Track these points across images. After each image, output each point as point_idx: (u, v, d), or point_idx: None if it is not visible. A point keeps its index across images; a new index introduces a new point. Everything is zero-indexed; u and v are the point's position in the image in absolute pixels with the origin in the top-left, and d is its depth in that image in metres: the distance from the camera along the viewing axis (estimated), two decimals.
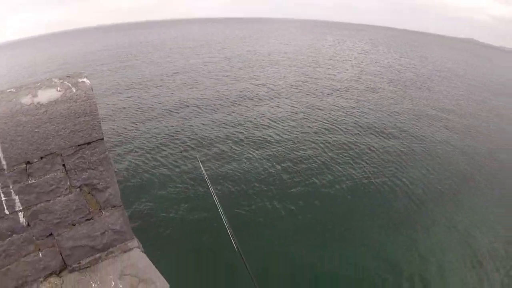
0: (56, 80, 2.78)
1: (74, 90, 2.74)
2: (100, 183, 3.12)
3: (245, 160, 15.06)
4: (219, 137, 17.34)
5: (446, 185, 14.45)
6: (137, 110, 21.75)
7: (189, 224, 10.98)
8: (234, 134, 17.87)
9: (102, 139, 2.99)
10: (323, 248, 10.34)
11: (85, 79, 2.82)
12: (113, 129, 18.42)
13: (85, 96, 2.77)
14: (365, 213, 12.21)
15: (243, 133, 18.07)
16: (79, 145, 2.88)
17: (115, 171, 3.39)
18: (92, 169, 3.03)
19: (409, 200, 13.06)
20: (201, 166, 7.11)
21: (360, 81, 32.96)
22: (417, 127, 20.92)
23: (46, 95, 2.67)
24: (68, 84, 2.75)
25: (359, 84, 31.33)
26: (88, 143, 2.93)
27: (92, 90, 2.81)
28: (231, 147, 16.35)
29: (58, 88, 2.71)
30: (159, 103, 23.32)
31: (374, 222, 11.65)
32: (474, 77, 45.15)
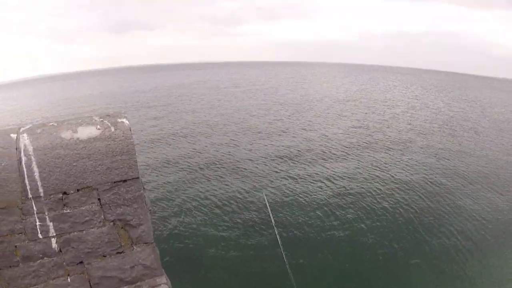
0: (96, 118, 2.75)
1: (113, 129, 2.68)
2: (134, 220, 3.05)
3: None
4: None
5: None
6: (189, 153, 21.38)
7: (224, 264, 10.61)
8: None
9: (138, 177, 2.91)
10: None
11: (124, 119, 2.74)
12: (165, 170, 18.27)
13: (123, 136, 2.70)
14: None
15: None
16: (115, 182, 2.84)
17: (150, 210, 3.30)
18: (127, 205, 2.97)
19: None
20: (267, 204, 6.87)
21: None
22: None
23: (86, 132, 2.65)
24: (107, 123, 2.70)
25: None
26: (124, 181, 2.87)
27: (130, 130, 2.72)
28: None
29: (98, 126, 2.68)
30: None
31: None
32: None
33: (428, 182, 16.49)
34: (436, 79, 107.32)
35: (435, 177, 17.20)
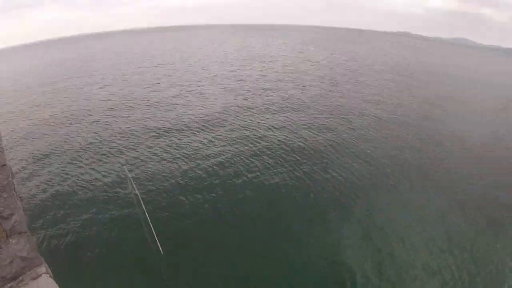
0: None
1: None
2: (5, 210, 2.96)
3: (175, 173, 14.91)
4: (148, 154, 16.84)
5: (375, 173, 15.91)
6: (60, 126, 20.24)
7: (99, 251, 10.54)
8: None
9: (5, 165, 2.85)
10: (252, 248, 10.71)
11: None
12: (29, 153, 17.30)
13: None
14: (293, 209, 12.85)
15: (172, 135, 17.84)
16: None
17: (20, 197, 3.23)
18: None
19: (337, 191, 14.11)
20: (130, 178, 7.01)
21: (291, 80, 34.54)
22: (346, 121, 22.77)
23: None
24: None
25: (288, 83, 32.60)
26: None
27: None
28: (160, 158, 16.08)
29: None
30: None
31: (301, 217, 12.38)
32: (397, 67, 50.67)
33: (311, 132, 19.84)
34: (316, 33, 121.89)
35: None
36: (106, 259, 10.08)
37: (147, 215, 9.75)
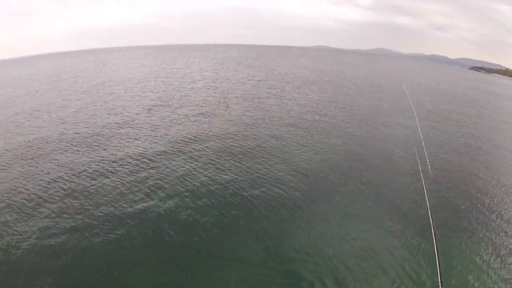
0: None
1: None
2: None
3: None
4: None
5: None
6: None
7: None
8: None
9: None
10: (194, 271, 10.34)
11: None
12: None
13: None
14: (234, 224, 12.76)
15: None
16: None
17: None
18: None
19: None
20: None
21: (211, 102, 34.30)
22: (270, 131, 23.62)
23: None
24: None
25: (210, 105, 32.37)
26: None
27: None
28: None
29: None
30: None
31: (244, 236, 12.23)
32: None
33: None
34: (238, 52, 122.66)
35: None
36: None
37: None
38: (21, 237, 11.34)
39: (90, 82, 47.59)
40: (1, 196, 14.16)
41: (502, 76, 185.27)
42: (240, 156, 18.89)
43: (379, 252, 11.49)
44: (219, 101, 33.36)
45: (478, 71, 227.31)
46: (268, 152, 19.60)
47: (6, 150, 19.55)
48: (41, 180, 15.66)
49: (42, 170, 16.71)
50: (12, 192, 14.56)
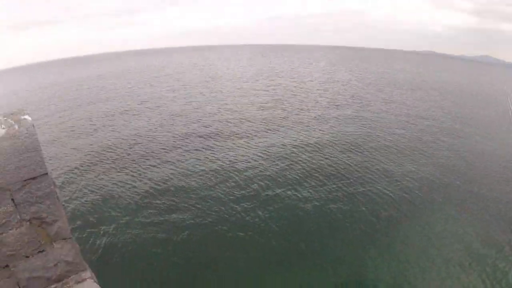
0: (0, 118, 2.94)
1: (17, 127, 2.91)
2: (49, 217, 3.24)
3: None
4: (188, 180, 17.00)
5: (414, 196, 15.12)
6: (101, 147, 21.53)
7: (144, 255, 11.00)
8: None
9: (47, 173, 3.14)
10: (292, 270, 10.44)
11: (26, 116, 3.00)
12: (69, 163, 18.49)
13: (27, 133, 2.95)
14: (336, 230, 12.50)
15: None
16: (25, 180, 3.02)
17: (63, 205, 3.51)
18: (40, 203, 3.16)
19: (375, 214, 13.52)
20: None
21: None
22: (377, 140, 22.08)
23: None
24: (11, 121, 2.92)
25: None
26: (33, 178, 3.07)
27: (33, 126, 2.99)
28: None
29: (2, 126, 2.88)
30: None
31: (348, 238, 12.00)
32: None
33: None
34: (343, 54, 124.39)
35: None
36: (147, 266, 10.44)
37: None
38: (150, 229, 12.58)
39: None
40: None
41: None
42: (343, 163, 18.30)
43: None
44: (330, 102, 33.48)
45: None
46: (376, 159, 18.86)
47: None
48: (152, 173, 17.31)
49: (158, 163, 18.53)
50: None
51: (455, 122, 28.36)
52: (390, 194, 15.01)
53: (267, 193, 14.80)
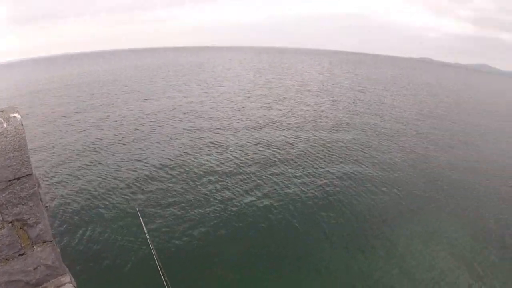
0: None
1: (5, 125, 2.80)
2: (31, 219, 3.13)
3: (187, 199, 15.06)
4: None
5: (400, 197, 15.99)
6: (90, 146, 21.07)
7: (122, 262, 10.76)
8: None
9: (32, 174, 3.04)
10: (278, 276, 10.52)
11: (16, 114, 2.90)
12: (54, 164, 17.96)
13: (15, 131, 2.85)
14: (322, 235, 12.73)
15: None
16: (9, 180, 2.91)
17: (46, 207, 3.41)
18: (23, 204, 3.05)
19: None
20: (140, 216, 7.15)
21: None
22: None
23: None
24: (0, 119, 2.81)
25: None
26: (18, 178, 2.96)
27: (22, 125, 2.89)
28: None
29: None
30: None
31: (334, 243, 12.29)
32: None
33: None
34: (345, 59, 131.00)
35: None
36: (128, 271, 10.31)
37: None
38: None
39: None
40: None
41: None
42: (336, 163, 19.36)
43: None
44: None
45: None
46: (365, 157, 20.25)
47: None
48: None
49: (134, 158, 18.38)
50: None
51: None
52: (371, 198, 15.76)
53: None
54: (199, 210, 13.62)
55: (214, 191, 15.17)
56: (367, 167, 19.06)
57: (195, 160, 18.60)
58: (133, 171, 17.11)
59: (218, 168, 17.46)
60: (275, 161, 18.91)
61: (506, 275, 11.07)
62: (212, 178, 16.34)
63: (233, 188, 15.41)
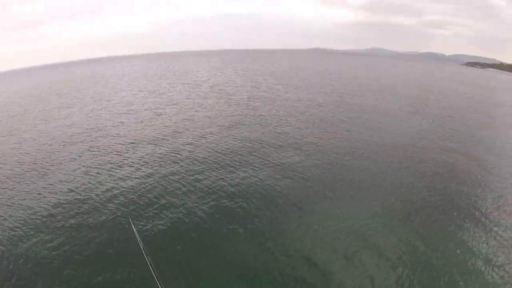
0: None
1: None
2: None
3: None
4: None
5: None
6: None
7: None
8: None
9: None
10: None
11: None
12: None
13: None
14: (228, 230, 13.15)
15: None
16: None
17: None
18: None
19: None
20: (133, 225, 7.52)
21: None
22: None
23: None
24: None
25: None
26: None
27: None
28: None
29: None
30: None
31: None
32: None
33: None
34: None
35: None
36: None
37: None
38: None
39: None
40: None
41: (497, 70, 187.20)
42: (240, 159, 20.19)
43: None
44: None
45: (473, 66, 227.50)
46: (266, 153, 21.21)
47: None
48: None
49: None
50: None
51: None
52: (277, 187, 16.53)
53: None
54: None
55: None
56: (267, 159, 20.11)
57: (97, 180, 17.90)
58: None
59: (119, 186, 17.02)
60: (176, 167, 19.15)
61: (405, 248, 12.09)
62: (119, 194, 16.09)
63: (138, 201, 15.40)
